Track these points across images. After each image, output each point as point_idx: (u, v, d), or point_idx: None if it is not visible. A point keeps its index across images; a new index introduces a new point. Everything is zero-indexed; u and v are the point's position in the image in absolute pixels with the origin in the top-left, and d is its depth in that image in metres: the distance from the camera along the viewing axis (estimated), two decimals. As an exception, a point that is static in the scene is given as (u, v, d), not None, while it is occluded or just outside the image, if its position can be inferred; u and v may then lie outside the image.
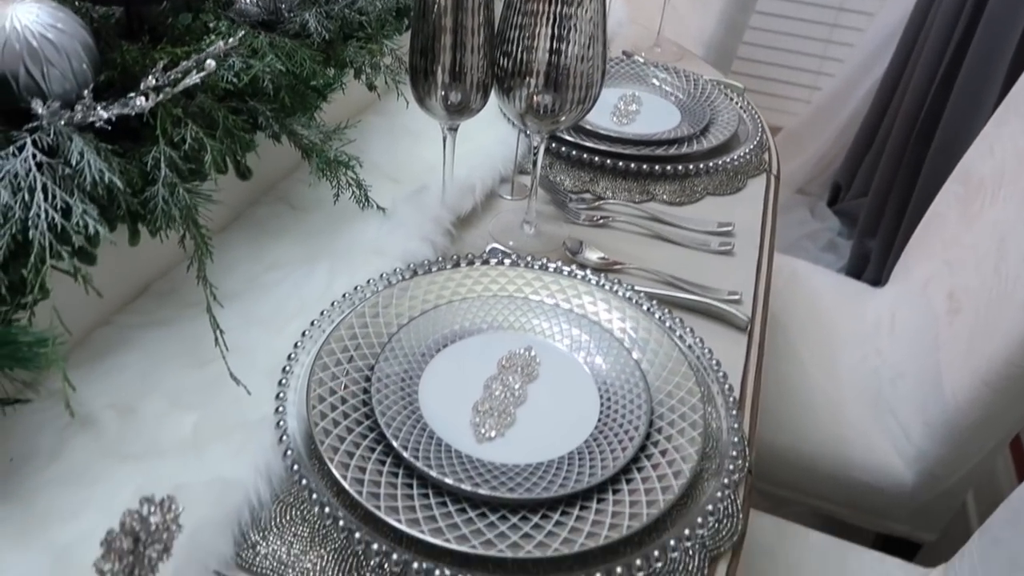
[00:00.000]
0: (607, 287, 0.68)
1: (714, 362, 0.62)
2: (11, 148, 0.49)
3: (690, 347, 0.63)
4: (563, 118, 0.69)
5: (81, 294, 0.54)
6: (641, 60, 1.13)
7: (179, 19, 0.70)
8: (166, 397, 0.57)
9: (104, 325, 0.62)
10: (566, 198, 0.85)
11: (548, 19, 0.62)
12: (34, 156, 0.47)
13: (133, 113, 0.49)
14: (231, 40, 0.56)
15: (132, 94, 0.49)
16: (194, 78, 0.49)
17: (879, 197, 1.88)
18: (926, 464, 0.98)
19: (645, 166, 0.88)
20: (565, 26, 0.64)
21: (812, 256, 2.00)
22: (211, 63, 0.49)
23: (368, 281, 0.66)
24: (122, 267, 0.63)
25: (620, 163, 0.88)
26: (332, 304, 0.64)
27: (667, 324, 0.65)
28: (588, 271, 0.70)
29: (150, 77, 0.55)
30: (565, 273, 0.69)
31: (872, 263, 1.86)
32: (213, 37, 0.65)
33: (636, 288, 0.69)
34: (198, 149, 0.57)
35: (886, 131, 1.90)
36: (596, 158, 0.88)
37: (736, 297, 0.73)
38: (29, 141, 0.48)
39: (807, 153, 2.18)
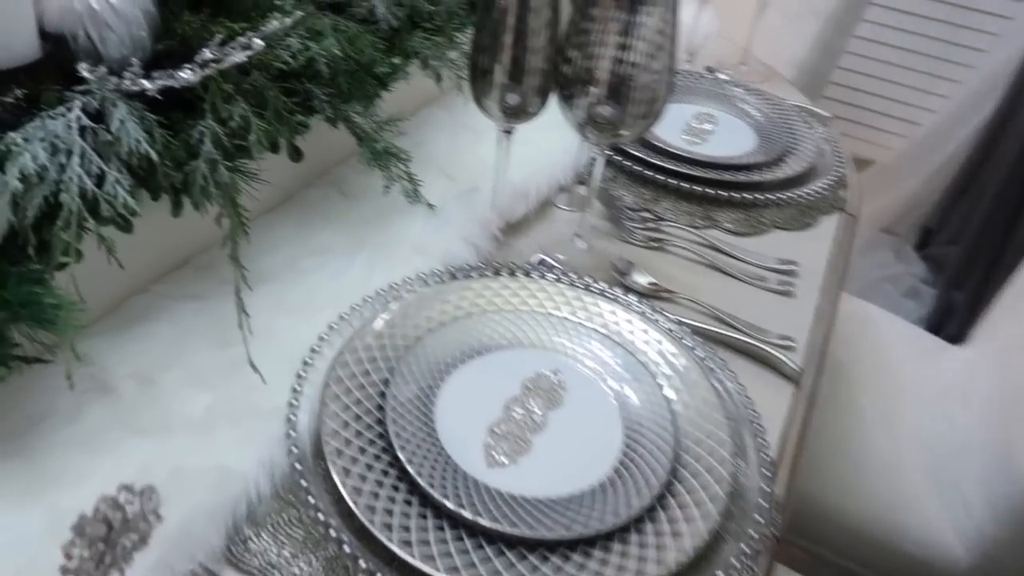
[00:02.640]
0: (650, 315, 0.64)
1: (753, 412, 0.58)
2: (61, 107, 0.49)
3: (729, 393, 0.59)
4: (625, 132, 0.66)
5: (122, 259, 0.54)
6: (724, 78, 1.08)
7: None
8: (186, 373, 0.56)
9: (141, 292, 0.62)
10: (623, 215, 0.82)
11: (615, 27, 0.59)
12: (79, 119, 0.47)
13: (178, 86, 0.48)
14: (286, 21, 0.55)
15: (181, 67, 0.48)
16: (239, 56, 0.48)
17: (971, 246, 1.76)
18: (984, 546, 0.90)
19: (711, 190, 0.84)
20: (632, 36, 0.60)
21: (891, 301, 1.89)
22: (258, 43, 0.48)
23: (404, 280, 0.65)
24: (164, 237, 0.63)
25: (684, 184, 0.84)
26: (364, 300, 0.62)
27: (708, 364, 0.61)
28: (632, 296, 0.66)
29: (204, 50, 0.55)
30: (607, 295, 0.66)
31: (956, 317, 1.75)
32: (277, 15, 0.64)
33: (682, 320, 0.65)
34: (245, 127, 0.56)
35: (987, 176, 1.78)
36: (660, 176, 0.84)
37: (789, 343, 0.68)
38: (79, 102, 0.48)
39: (897, 191, 2.06)
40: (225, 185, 0.54)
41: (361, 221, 0.73)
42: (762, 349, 0.66)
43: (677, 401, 0.57)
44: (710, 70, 1.12)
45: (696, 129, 0.94)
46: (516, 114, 0.66)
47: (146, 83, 0.47)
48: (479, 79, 0.64)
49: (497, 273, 0.67)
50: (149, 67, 0.56)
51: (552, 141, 0.86)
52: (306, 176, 0.77)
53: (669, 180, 0.84)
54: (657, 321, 0.64)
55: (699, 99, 1.00)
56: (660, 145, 0.88)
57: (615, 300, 0.65)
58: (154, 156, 0.47)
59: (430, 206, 0.73)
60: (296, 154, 0.68)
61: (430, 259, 0.68)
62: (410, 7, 0.77)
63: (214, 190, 0.53)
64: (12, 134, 0.45)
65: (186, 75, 0.47)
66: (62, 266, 0.50)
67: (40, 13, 0.52)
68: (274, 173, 0.65)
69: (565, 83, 0.64)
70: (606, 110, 0.64)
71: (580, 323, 0.63)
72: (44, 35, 0.52)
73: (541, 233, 0.79)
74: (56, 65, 0.53)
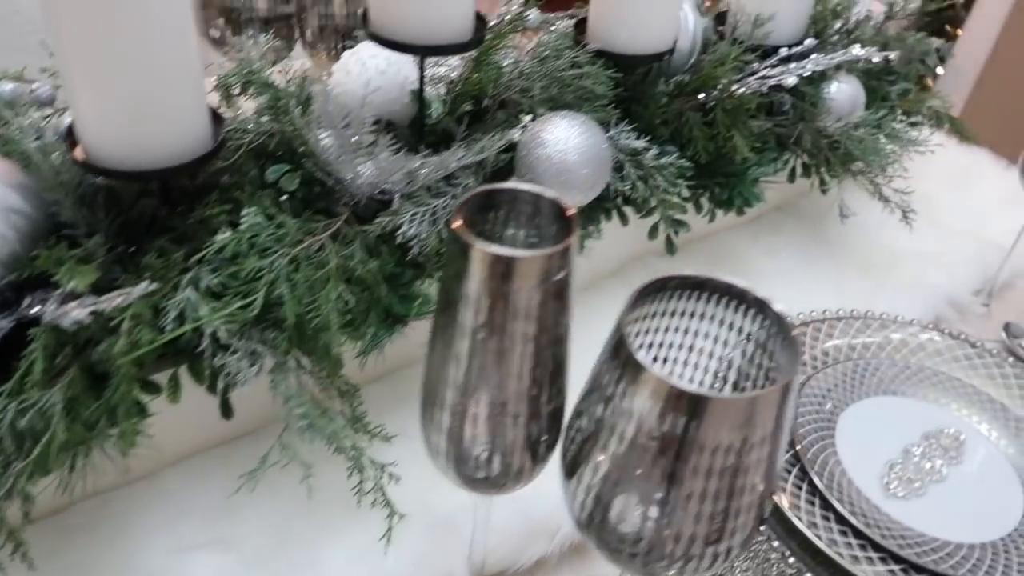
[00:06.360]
0: None
1: None
2: None
3: None
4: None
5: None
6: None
7: (247, 177, 0.53)
8: None
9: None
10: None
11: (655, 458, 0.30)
12: None
13: None
14: (133, 293, 0.36)
15: None
16: None
17: None
18: None
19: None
20: (682, 463, 0.30)
21: None
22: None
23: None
24: None
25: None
26: None
27: None
28: None
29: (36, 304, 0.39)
30: None
31: None
32: (219, 240, 0.46)
33: None
34: (42, 431, 0.38)
35: None
36: (809, 557, 0.50)
37: None
38: None
39: None
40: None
41: (293, 514, 0.51)
42: None
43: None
44: (1010, 333, 0.69)
45: (917, 468, 0.55)
46: (484, 482, 0.39)
47: None
48: (428, 407, 0.39)
49: None
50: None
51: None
52: (259, 418, 0.57)
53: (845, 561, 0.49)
54: None
55: (955, 397, 0.60)
56: (821, 485, 0.52)
57: None
58: None
59: (394, 516, 0.49)
60: (227, 412, 0.50)
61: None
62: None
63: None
64: None
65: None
66: None
67: None
68: (194, 417, 0.48)
69: (572, 448, 0.36)
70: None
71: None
72: None
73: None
74: None
